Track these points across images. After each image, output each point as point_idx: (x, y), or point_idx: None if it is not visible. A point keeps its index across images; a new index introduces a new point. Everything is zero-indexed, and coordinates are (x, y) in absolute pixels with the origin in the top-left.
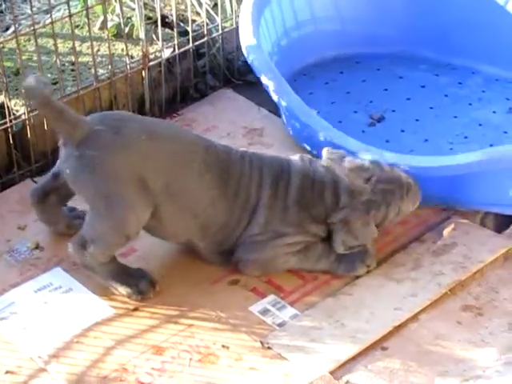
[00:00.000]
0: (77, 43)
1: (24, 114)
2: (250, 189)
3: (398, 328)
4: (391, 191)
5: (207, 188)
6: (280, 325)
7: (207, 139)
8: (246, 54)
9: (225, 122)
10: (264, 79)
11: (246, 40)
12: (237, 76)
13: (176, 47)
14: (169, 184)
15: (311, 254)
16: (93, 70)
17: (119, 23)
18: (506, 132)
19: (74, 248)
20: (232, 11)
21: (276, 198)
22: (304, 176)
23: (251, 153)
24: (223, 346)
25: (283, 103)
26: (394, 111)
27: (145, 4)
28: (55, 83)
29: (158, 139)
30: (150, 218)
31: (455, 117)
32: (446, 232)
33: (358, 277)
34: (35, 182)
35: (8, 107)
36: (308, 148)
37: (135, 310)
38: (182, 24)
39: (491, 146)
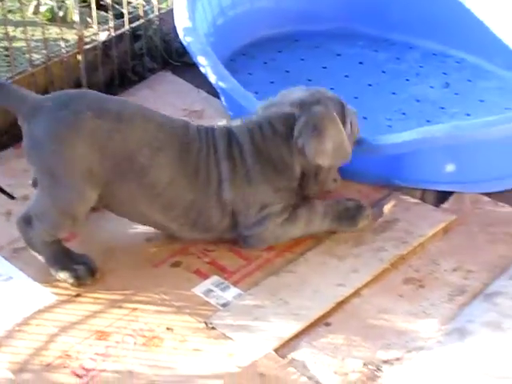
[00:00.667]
0: (10, 28)
1: None
2: (209, 164)
3: (341, 304)
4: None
5: (164, 166)
6: (224, 305)
7: (165, 115)
8: (181, 37)
9: (165, 104)
10: (200, 62)
11: (181, 23)
12: (175, 57)
13: (112, 30)
14: (119, 162)
15: (301, 217)
16: (27, 55)
17: (53, 7)
18: (442, 107)
19: (19, 224)
20: None
21: (235, 166)
22: (249, 129)
23: (205, 127)
24: (167, 329)
25: (221, 86)
26: (332, 89)
27: None
28: None
29: (104, 117)
30: (110, 198)
31: (393, 93)
32: (386, 208)
33: (301, 254)
34: None
35: None
36: None
37: (78, 296)
38: (117, 6)
39: (428, 122)
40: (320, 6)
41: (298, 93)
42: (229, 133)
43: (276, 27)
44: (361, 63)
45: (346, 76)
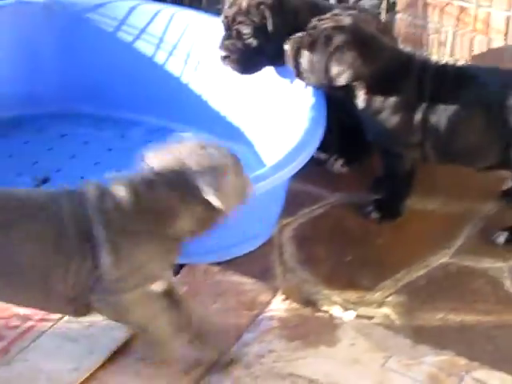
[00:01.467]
0: None
1: None
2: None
3: None
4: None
5: (19, 244)
6: None
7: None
8: None
9: None
10: None
11: None
12: None
13: None
14: None
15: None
16: None
17: None
18: None
19: None
20: None
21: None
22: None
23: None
24: None
25: None
26: (58, 171)
27: None
28: None
29: None
30: None
31: (119, 170)
32: None
33: (33, 340)
34: None
35: None
36: None
37: None
38: None
39: None
40: (41, 88)
41: (192, 155)
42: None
43: None
44: (86, 142)
45: (73, 156)
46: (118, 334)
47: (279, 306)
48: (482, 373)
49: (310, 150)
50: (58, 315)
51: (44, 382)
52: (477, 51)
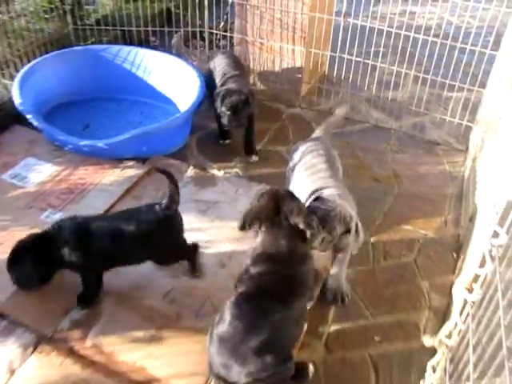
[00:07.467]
0: None
1: None
2: None
3: None
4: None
5: None
6: None
7: None
8: (18, 107)
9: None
10: (28, 118)
11: (17, 100)
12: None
13: None
14: None
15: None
16: None
17: None
18: None
19: None
20: None
21: None
22: None
23: None
24: None
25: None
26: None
27: None
28: None
29: None
30: None
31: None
32: None
33: None
34: None
35: None
36: None
37: None
38: None
39: None
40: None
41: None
42: None
43: None
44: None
45: (108, 117)
46: None
47: (192, 172)
48: None
49: (200, 100)
50: None
51: None
52: None
